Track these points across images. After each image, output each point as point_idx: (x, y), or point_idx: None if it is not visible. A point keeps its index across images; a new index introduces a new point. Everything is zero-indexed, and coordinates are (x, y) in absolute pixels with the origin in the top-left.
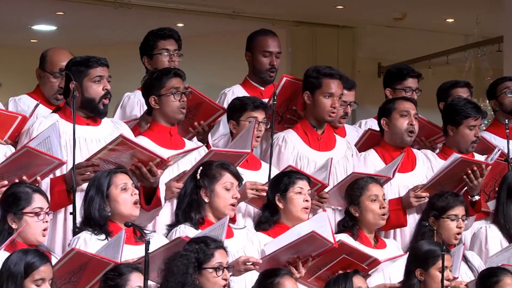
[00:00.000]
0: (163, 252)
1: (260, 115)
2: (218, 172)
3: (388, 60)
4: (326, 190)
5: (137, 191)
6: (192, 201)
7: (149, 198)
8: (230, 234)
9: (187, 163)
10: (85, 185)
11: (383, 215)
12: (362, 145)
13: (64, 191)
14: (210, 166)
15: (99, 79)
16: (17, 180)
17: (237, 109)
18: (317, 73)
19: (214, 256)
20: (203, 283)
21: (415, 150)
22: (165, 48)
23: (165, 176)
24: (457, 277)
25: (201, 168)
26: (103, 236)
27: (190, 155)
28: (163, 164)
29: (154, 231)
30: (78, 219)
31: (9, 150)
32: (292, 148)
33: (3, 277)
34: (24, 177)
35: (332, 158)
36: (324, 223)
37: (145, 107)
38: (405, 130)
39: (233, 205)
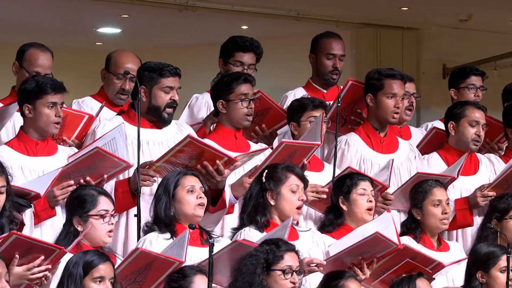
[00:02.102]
0: (225, 255)
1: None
2: (284, 174)
3: (453, 61)
4: (391, 191)
5: (203, 195)
6: (257, 204)
7: (214, 201)
8: (295, 236)
9: (257, 159)
10: (146, 189)
11: (445, 219)
12: (427, 144)
13: (128, 192)
14: (276, 169)
15: (169, 90)
16: (82, 180)
17: (297, 110)
18: (379, 74)
19: (284, 258)
20: (270, 284)
21: (478, 154)
22: (240, 61)
23: (231, 178)
24: None
25: (266, 171)
26: (168, 235)
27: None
28: (230, 163)
29: (222, 236)
30: (145, 219)
31: (72, 151)
32: (355, 151)
33: (64, 278)
34: (88, 178)
35: (393, 159)
36: (388, 224)
37: (212, 109)
38: (472, 140)
39: (299, 207)
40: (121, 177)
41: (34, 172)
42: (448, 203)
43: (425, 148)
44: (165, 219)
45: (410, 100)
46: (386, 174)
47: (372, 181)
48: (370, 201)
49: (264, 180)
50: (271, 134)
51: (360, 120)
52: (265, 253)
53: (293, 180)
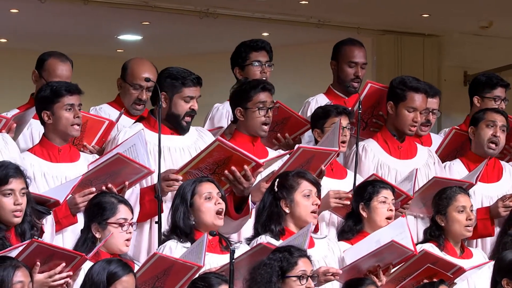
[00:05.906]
0: (246, 260)
1: (344, 121)
2: (295, 181)
3: (474, 68)
4: None
5: (221, 201)
6: (272, 213)
7: (238, 207)
8: (311, 244)
9: (274, 164)
10: (169, 195)
11: (469, 226)
12: (448, 145)
13: (154, 200)
14: (287, 177)
15: (189, 99)
16: (104, 187)
17: (321, 116)
18: (403, 85)
19: (298, 264)
20: None
21: (502, 162)
22: (257, 60)
23: None
24: None
25: (277, 180)
26: (188, 244)
27: None
28: (256, 169)
29: (240, 242)
30: (164, 228)
31: (93, 158)
32: (373, 157)
33: (86, 286)
34: (110, 185)
35: (417, 169)
36: (402, 229)
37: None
38: (487, 140)
39: (314, 212)
40: (144, 183)
41: (57, 178)
42: (471, 210)
43: (446, 150)
44: (184, 229)
45: (427, 117)
46: (409, 184)
47: (393, 190)
48: (391, 210)
49: (276, 189)
50: (294, 140)
51: (382, 123)
52: (279, 261)
53: (305, 186)
